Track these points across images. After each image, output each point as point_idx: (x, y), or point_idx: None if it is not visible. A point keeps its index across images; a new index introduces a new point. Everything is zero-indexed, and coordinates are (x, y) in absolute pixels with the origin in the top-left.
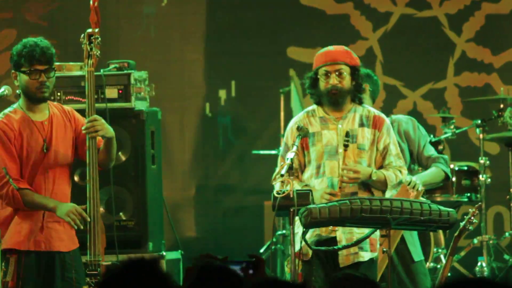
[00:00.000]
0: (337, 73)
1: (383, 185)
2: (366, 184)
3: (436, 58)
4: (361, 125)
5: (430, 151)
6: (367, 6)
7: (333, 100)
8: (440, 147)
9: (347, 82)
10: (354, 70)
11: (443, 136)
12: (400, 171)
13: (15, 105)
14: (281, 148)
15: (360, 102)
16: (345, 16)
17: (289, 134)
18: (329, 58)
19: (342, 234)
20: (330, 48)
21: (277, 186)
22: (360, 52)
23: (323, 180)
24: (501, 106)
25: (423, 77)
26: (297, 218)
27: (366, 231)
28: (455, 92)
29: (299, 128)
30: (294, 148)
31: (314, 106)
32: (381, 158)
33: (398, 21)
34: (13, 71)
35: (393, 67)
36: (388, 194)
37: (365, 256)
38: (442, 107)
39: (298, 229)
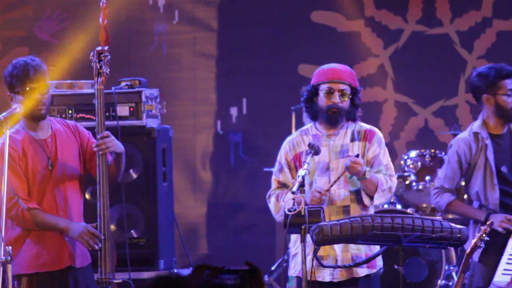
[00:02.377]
0: (340, 92)
1: (374, 188)
2: (359, 198)
3: (447, 75)
4: (352, 140)
5: None
6: (378, 23)
7: (332, 119)
8: None
9: (347, 102)
10: (354, 92)
11: None
12: (391, 179)
13: (17, 126)
14: (274, 168)
15: (354, 120)
16: (356, 34)
17: (283, 153)
18: (336, 76)
19: (339, 252)
20: (336, 65)
21: (289, 203)
22: (372, 69)
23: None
24: None
25: (434, 94)
26: (293, 236)
27: (361, 247)
28: (467, 109)
29: (310, 146)
30: (305, 165)
31: (308, 125)
32: (370, 167)
33: (409, 38)
34: (8, 93)
35: (404, 84)
36: (377, 200)
37: (360, 272)
38: (454, 124)
39: (297, 249)
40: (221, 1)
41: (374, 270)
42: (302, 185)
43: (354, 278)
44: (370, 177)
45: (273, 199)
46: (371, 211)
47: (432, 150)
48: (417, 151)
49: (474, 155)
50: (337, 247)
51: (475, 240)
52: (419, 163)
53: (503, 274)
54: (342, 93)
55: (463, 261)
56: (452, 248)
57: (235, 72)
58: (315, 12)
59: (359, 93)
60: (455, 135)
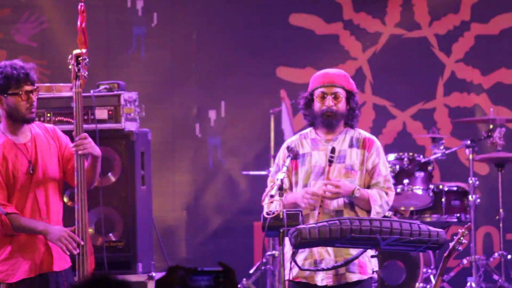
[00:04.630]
0: (333, 95)
1: (366, 204)
2: (351, 203)
3: (426, 78)
4: (351, 146)
5: None
6: (357, 26)
7: (327, 122)
8: (430, 168)
9: (342, 105)
10: (350, 95)
11: (432, 157)
12: (387, 193)
13: None
14: (272, 169)
15: (352, 127)
16: (334, 37)
17: (281, 155)
18: (326, 80)
19: (333, 256)
20: (329, 70)
21: (266, 206)
22: (350, 72)
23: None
24: (491, 126)
25: (413, 98)
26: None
27: (353, 251)
28: (445, 113)
29: (289, 149)
30: (284, 168)
31: (308, 130)
32: (369, 178)
33: (388, 42)
34: None
35: (382, 87)
36: (374, 215)
37: (353, 277)
38: (432, 128)
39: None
40: (199, 4)
41: (366, 277)
42: (280, 188)
43: (347, 283)
44: (360, 195)
45: (267, 199)
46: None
47: (410, 153)
48: (396, 154)
49: None
50: (331, 250)
51: (453, 243)
52: (397, 166)
53: None
54: (335, 96)
55: (441, 264)
56: (430, 251)
57: (214, 75)
58: (294, 15)
59: (355, 95)
60: (433, 138)
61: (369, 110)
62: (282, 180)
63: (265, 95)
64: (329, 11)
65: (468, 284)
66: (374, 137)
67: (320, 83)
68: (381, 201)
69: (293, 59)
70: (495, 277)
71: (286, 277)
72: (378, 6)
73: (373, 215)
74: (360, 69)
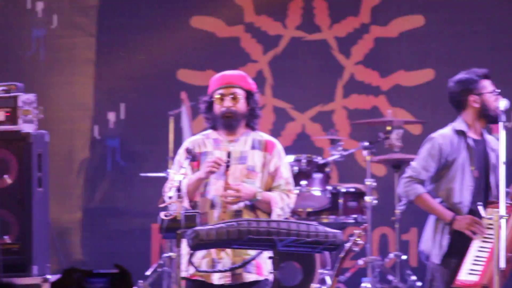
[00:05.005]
0: (231, 96)
1: (268, 207)
2: (252, 206)
3: (325, 80)
4: (253, 148)
5: None
6: (258, 29)
7: (227, 123)
8: (328, 169)
9: (241, 105)
10: (249, 95)
11: (330, 158)
12: (288, 195)
13: None
14: (171, 170)
15: (254, 128)
16: (235, 39)
17: (181, 156)
18: (224, 81)
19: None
20: (227, 72)
21: (164, 208)
22: (250, 74)
23: (207, 199)
24: (388, 128)
25: (312, 100)
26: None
27: (252, 252)
28: (343, 115)
29: (188, 150)
30: (182, 170)
31: (209, 131)
32: (271, 180)
33: (288, 44)
34: None
35: (282, 90)
36: (275, 217)
37: (249, 278)
38: (330, 130)
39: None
40: (100, 6)
41: (262, 278)
42: (178, 190)
43: (244, 283)
44: (262, 198)
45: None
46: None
47: (309, 155)
48: (294, 156)
49: (454, 152)
50: (229, 251)
51: (349, 244)
52: (296, 168)
53: (469, 273)
54: (233, 97)
55: (337, 265)
56: (326, 252)
57: (114, 77)
58: (195, 17)
59: (255, 95)
60: (331, 140)
61: (269, 113)
62: (180, 182)
63: (165, 97)
64: (230, 14)
65: (363, 284)
66: (275, 140)
67: (218, 84)
68: (282, 204)
69: (194, 62)
70: (390, 277)
71: (183, 275)
72: (279, 9)
73: (274, 217)
74: (261, 72)
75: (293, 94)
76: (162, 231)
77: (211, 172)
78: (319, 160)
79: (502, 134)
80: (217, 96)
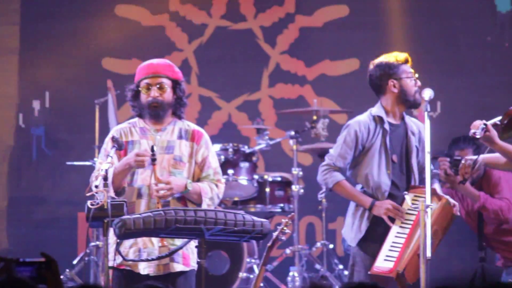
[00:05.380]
0: (158, 86)
1: (198, 198)
2: (180, 196)
3: (251, 70)
4: (180, 137)
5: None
6: (183, 18)
7: (154, 113)
8: (254, 158)
9: (168, 95)
10: (176, 84)
11: (257, 147)
12: (217, 185)
13: None
14: (97, 159)
15: (181, 117)
16: (160, 28)
17: (107, 145)
18: (150, 71)
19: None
20: (153, 60)
21: (91, 197)
22: (176, 63)
23: (134, 188)
24: (314, 117)
25: (238, 89)
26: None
27: (178, 241)
28: (270, 104)
29: (114, 139)
30: (109, 159)
31: (135, 119)
32: (199, 171)
33: (214, 33)
34: None
35: (208, 78)
36: (205, 207)
37: (176, 267)
38: (256, 119)
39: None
40: None
41: (188, 268)
42: (105, 178)
43: (170, 273)
44: (193, 189)
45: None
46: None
47: (235, 144)
48: (221, 145)
49: (371, 138)
50: (155, 240)
51: (276, 233)
52: (222, 157)
53: (385, 260)
54: (160, 86)
55: (265, 253)
56: (254, 241)
57: (38, 66)
58: (119, 6)
59: (181, 84)
60: (258, 129)
61: (195, 102)
62: (106, 171)
63: (90, 86)
64: (155, 3)
65: (291, 273)
66: (202, 130)
67: (144, 74)
68: (211, 194)
69: (119, 50)
70: (317, 266)
71: (110, 264)
72: None
73: (203, 207)
74: (186, 61)
75: (219, 83)
76: (89, 220)
77: (139, 166)
78: (246, 149)
79: (427, 123)
80: (144, 85)
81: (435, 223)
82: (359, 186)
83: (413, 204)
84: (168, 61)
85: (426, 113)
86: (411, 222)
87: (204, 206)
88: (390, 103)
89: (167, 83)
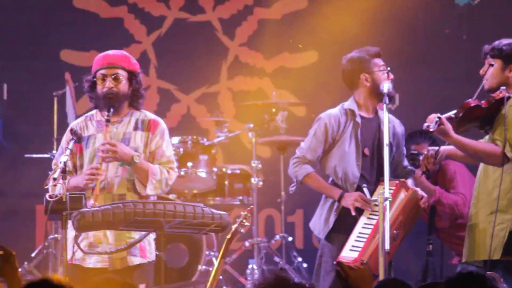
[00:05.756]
0: (113, 76)
1: (145, 176)
2: (135, 186)
3: (210, 62)
4: (136, 128)
5: (406, 162)
6: (141, 10)
7: (109, 104)
8: (213, 151)
9: (123, 86)
10: (132, 75)
11: (216, 140)
12: (168, 172)
13: None
14: (56, 152)
15: (138, 108)
16: (119, 20)
17: (66, 137)
18: (106, 62)
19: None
20: (109, 52)
21: (50, 189)
22: (135, 55)
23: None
24: (273, 110)
25: (197, 81)
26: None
27: (135, 234)
28: (229, 96)
29: (72, 132)
30: (67, 151)
31: (94, 111)
32: (152, 159)
33: (172, 25)
34: None
35: (167, 71)
36: (150, 190)
37: (134, 261)
38: (215, 111)
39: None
40: None
41: (146, 260)
42: (63, 171)
43: (128, 266)
44: (140, 164)
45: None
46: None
47: (194, 137)
48: (180, 138)
49: (341, 131)
50: (110, 235)
51: (235, 225)
52: (181, 149)
53: (350, 250)
54: (115, 77)
55: (224, 246)
56: (213, 234)
57: None
58: None
59: (138, 76)
60: (216, 121)
61: (153, 94)
62: (65, 163)
63: (48, 78)
64: None
65: (250, 266)
66: (159, 119)
67: (100, 65)
68: (160, 177)
69: (77, 42)
70: (276, 259)
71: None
72: None
73: (149, 188)
74: (145, 53)
75: (178, 76)
76: (47, 213)
77: (88, 182)
78: (205, 141)
79: (386, 116)
80: (99, 76)
81: (401, 213)
82: (330, 179)
83: (374, 198)
84: (124, 52)
85: (384, 106)
86: (378, 214)
87: (149, 186)
88: (363, 97)
89: (122, 74)
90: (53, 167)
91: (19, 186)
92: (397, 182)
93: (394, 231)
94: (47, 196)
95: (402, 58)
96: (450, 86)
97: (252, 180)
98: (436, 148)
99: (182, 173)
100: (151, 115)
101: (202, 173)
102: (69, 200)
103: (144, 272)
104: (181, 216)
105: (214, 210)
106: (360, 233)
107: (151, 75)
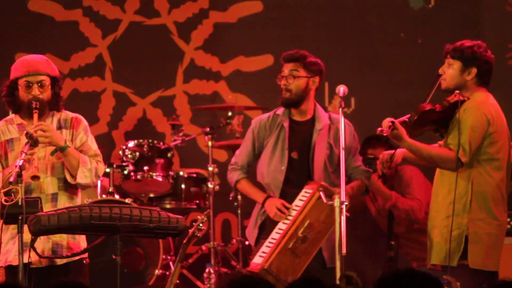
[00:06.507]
0: (39, 84)
1: (76, 163)
2: (67, 186)
3: (166, 65)
4: (59, 127)
5: (360, 162)
6: (96, 13)
7: (35, 110)
8: (170, 155)
9: (48, 93)
10: (54, 81)
11: (172, 144)
12: (97, 163)
13: None
14: None
15: (59, 109)
16: (74, 23)
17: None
18: (31, 69)
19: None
20: (30, 57)
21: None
22: (90, 59)
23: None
24: (229, 113)
25: (153, 85)
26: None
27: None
28: (184, 100)
29: (27, 135)
30: (23, 155)
31: (12, 115)
32: None
33: (127, 29)
34: None
35: (122, 74)
36: (81, 178)
37: (60, 261)
38: (172, 115)
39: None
40: None
41: (75, 259)
42: (19, 175)
43: (54, 265)
44: (72, 150)
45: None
46: (78, 201)
47: (150, 140)
48: (136, 141)
49: (268, 135)
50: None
51: (192, 229)
52: (138, 153)
53: (259, 256)
54: (41, 84)
55: (180, 250)
56: (170, 238)
57: None
58: (33, 1)
59: (59, 80)
60: (173, 125)
61: (109, 97)
62: (20, 167)
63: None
64: None
65: (207, 270)
66: (81, 116)
67: (24, 71)
68: (90, 166)
69: (32, 46)
70: (233, 263)
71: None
72: None
73: (79, 177)
74: (100, 56)
75: (134, 79)
76: (3, 217)
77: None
78: (161, 145)
79: (341, 120)
80: (23, 83)
81: (307, 216)
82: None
83: (300, 199)
84: (45, 57)
85: (340, 109)
86: (291, 218)
87: (79, 175)
88: None
89: (47, 81)
90: (8, 170)
91: None
92: (315, 184)
93: (300, 234)
94: (2, 200)
95: (358, 62)
96: (407, 90)
97: (209, 184)
98: (392, 151)
99: (138, 177)
100: (71, 114)
101: (158, 177)
102: (25, 204)
103: (69, 270)
104: (138, 220)
105: (170, 214)
106: (272, 238)
107: (107, 78)
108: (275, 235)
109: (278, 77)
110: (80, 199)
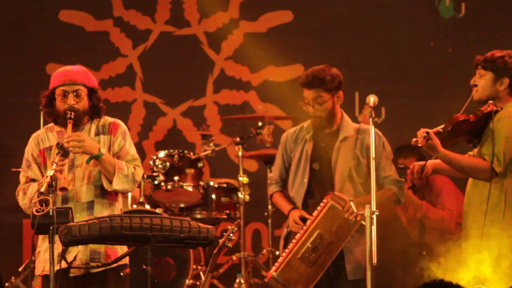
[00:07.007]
0: (74, 93)
1: (112, 169)
2: (104, 193)
3: (196, 75)
4: (97, 134)
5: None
6: (127, 23)
7: (68, 121)
8: (200, 165)
9: (84, 103)
10: (91, 92)
11: (202, 154)
12: (135, 168)
13: None
14: (22, 164)
15: (100, 117)
16: (104, 33)
17: (29, 149)
18: (68, 78)
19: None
20: (69, 67)
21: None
22: (120, 69)
23: (58, 194)
24: (259, 123)
25: (183, 95)
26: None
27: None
28: (215, 110)
29: (58, 146)
30: (54, 166)
31: (52, 123)
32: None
33: (158, 39)
34: None
35: (153, 84)
36: (117, 184)
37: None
38: (202, 125)
39: (40, 248)
40: None
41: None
42: (50, 185)
43: (91, 273)
44: (107, 156)
45: (21, 194)
46: (118, 206)
47: (181, 150)
48: (166, 151)
49: (295, 148)
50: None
51: (222, 239)
52: (168, 163)
53: (274, 265)
54: (77, 94)
55: (211, 260)
56: (200, 248)
57: None
58: (63, 11)
59: (97, 92)
60: (203, 135)
61: (139, 108)
62: (51, 177)
63: (35, 92)
64: (99, 8)
65: (237, 280)
66: (119, 121)
67: (61, 81)
68: (127, 171)
69: (63, 56)
70: (264, 273)
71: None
72: (148, 3)
73: (115, 183)
74: (131, 66)
75: (164, 89)
76: (34, 227)
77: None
78: (192, 155)
79: (372, 130)
80: (60, 92)
81: (318, 226)
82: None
83: (316, 210)
84: (83, 68)
85: (370, 119)
86: (303, 229)
87: (116, 181)
88: None
89: (83, 91)
90: (21, 179)
91: (5, 200)
92: (330, 194)
93: (310, 244)
94: (34, 210)
95: (388, 71)
96: (436, 99)
97: (239, 193)
98: (423, 162)
99: (169, 187)
100: (110, 119)
101: (188, 187)
102: (56, 214)
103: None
104: (168, 230)
105: (201, 224)
106: (287, 248)
107: (137, 88)
108: (290, 245)
109: (302, 104)
110: (121, 205)
